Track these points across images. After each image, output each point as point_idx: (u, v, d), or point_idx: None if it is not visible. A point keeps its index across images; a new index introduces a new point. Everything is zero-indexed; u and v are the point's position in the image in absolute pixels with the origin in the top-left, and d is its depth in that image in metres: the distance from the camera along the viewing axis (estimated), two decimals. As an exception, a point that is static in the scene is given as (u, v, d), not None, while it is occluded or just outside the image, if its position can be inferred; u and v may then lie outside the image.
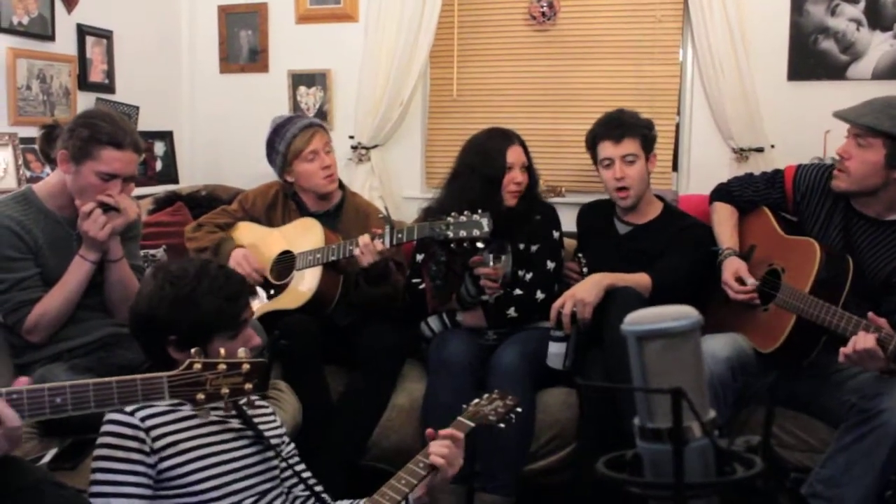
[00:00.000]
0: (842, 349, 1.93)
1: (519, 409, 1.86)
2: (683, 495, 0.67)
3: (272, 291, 2.61)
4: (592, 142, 2.59)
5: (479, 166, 2.51)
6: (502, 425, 1.79)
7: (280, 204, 2.79)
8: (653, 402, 0.72)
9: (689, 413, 0.69)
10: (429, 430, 1.69)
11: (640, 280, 2.36)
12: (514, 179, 2.51)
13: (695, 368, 0.73)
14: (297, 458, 1.77)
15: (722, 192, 2.55)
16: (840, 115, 2.20)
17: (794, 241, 2.28)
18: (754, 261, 2.34)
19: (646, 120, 2.60)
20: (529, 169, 2.58)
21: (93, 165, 2.04)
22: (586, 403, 2.21)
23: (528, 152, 2.59)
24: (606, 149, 2.53)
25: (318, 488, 1.76)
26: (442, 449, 1.61)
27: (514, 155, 2.53)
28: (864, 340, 1.89)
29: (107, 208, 2.07)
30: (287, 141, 2.66)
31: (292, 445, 1.79)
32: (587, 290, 2.27)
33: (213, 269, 1.62)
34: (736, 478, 0.70)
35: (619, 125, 2.52)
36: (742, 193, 2.50)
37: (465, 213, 2.21)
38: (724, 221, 2.46)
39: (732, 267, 2.30)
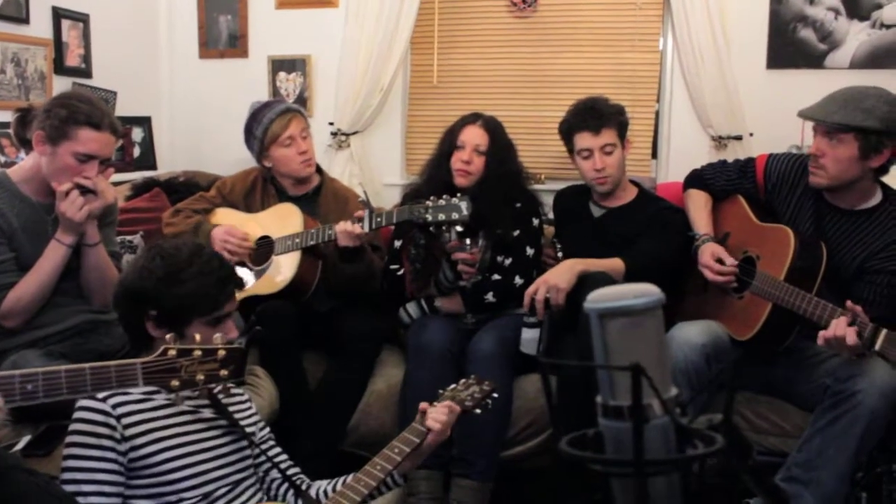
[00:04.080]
0: (821, 332, 1.94)
1: (495, 395, 1.87)
2: (643, 472, 0.68)
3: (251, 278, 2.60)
4: (568, 132, 2.58)
5: (439, 145, 2.62)
6: (478, 411, 1.80)
7: (259, 189, 2.77)
8: (614, 379, 0.73)
9: (650, 391, 0.70)
10: (423, 404, 1.72)
11: (614, 265, 2.37)
12: (460, 158, 2.53)
13: (657, 346, 0.74)
14: (271, 443, 1.77)
15: (695, 179, 2.56)
16: (807, 115, 2.18)
17: (768, 229, 2.29)
18: (729, 248, 2.35)
19: (617, 105, 2.59)
20: (501, 155, 2.56)
21: (70, 146, 2.02)
22: (559, 385, 2.22)
23: (499, 139, 2.57)
24: (585, 140, 2.52)
25: (293, 471, 1.76)
26: (440, 416, 1.66)
27: (467, 135, 2.55)
28: (842, 329, 1.89)
29: (84, 191, 2.06)
30: (264, 126, 2.65)
31: (267, 430, 1.79)
32: (560, 275, 2.28)
33: (207, 253, 1.62)
34: (695, 454, 0.71)
35: (597, 115, 2.51)
36: (715, 181, 2.51)
37: (444, 196, 2.23)
38: (699, 208, 2.47)
39: (710, 250, 2.32)
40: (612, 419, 0.73)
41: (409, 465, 1.66)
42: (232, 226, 2.62)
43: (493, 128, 2.59)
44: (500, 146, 2.57)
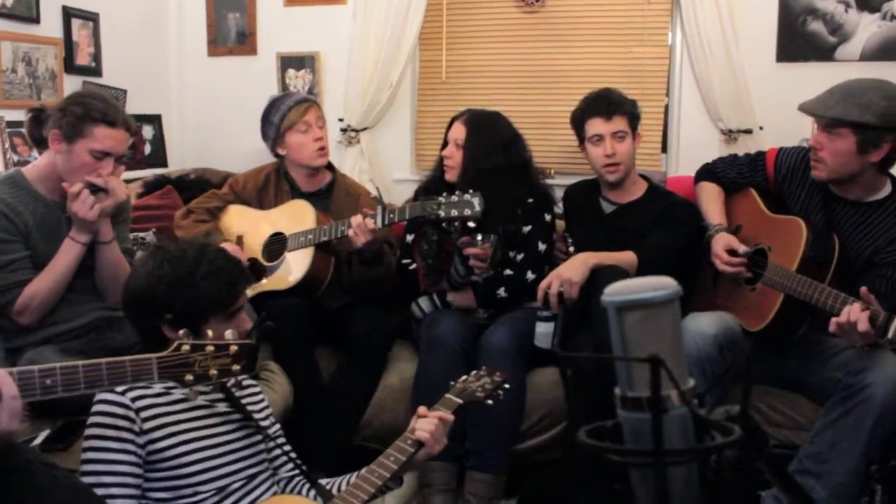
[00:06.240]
0: (833, 318, 1.93)
1: (507, 386, 1.87)
2: (663, 462, 0.68)
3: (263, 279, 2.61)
4: (580, 119, 2.59)
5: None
6: (490, 402, 1.80)
7: (272, 186, 2.79)
8: (632, 371, 0.74)
9: (668, 382, 0.71)
10: (421, 407, 1.70)
11: (627, 258, 2.38)
12: (446, 154, 2.59)
13: (674, 338, 0.75)
14: (283, 439, 1.78)
15: (707, 173, 2.57)
16: (806, 109, 2.18)
17: (780, 221, 2.29)
18: (741, 240, 2.35)
19: (631, 99, 2.61)
20: (480, 147, 2.52)
21: (86, 143, 2.04)
22: (572, 378, 2.22)
23: (478, 131, 2.54)
24: (596, 125, 2.53)
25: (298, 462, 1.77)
26: (429, 426, 1.64)
27: (452, 131, 2.60)
28: (856, 315, 1.89)
29: (95, 189, 2.07)
30: (282, 112, 2.68)
31: (277, 426, 1.80)
32: (573, 269, 2.29)
33: (213, 252, 1.63)
34: (713, 445, 0.71)
35: (609, 102, 2.54)
36: (726, 174, 2.51)
37: (457, 192, 2.24)
38: (711, 200, 2.48)
39: (723, 240, 2.32)
40: (631, 410, 0.74)
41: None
42: (243, 236, 2.64)
43: (474, 121, 2.57)
44: (478, 139, 2.53)
